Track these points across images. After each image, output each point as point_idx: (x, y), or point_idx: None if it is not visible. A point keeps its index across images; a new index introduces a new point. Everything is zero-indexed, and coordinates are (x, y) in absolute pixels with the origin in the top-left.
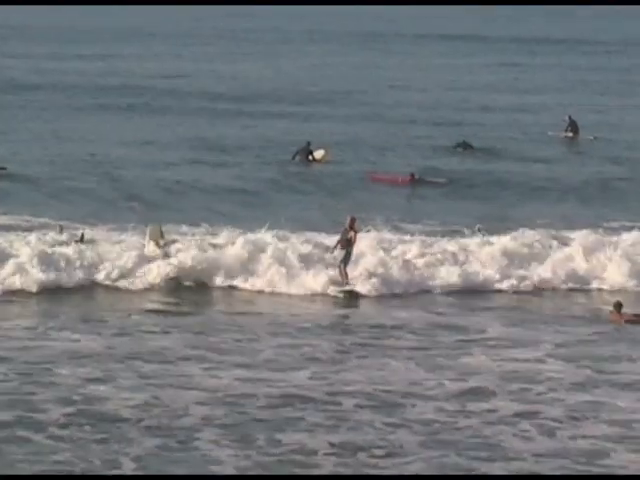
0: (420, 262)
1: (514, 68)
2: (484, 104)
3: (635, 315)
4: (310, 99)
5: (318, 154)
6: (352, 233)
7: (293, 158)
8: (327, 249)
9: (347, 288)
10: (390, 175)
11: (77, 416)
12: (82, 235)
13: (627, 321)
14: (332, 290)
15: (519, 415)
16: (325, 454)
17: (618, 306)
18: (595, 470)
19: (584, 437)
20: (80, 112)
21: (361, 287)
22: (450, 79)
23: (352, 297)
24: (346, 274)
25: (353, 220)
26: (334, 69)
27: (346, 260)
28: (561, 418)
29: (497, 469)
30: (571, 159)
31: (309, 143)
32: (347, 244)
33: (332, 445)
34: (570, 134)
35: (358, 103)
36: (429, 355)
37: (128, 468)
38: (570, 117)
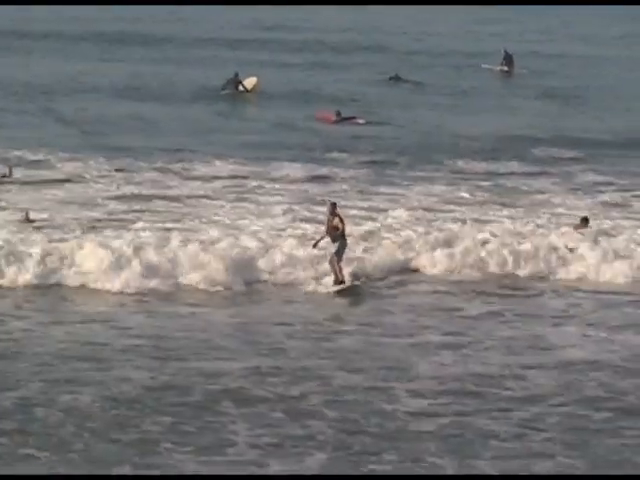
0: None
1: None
2: (417, 36)
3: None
4: (240, 42)
5: (249, 82)
6: (337, 220)
7: (223, 89)
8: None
9: (343, 286)
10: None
11: None
12: (27, 214)
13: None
14: (324, 288)
15: (440, 346)
16: (234, 377)
17: (585, 221)
18: (494, 391)
19: (495, 364)
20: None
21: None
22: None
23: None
24: (340, 269)
25: (334, 205)
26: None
27: (340, 253)
28: (480, 349)
29: (399, 388)
30: (502, 91)
31: (237, 74)
32: (335, 234)
33: (243, 369)
34: (505, 67)
35: (289, 39)
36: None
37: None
38: (506, 51)
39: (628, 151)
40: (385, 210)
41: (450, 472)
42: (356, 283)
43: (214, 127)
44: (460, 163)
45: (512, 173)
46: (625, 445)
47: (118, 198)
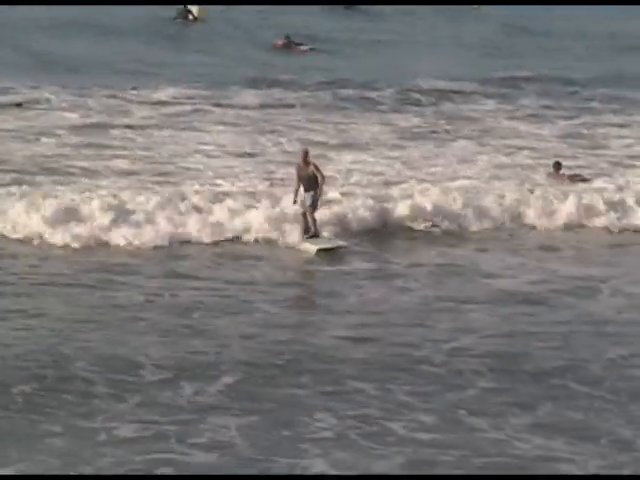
0: None
1: None
2: None
3: (574, 175)
4: None
5: (194, 10)
6: (312, 168)
7: (175, 19)
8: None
9: (329, 245)
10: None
11: None
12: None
13: (567, 181)
14: (307, 247)
15: (370, 276)
16: (152, 308)
17: (557, 166)
18: (426, 322)
19: (427, 294)
20: None
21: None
22: None
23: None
24: (314, 221)
25: (306, 153)
26: None
27: (315, 203)
28: (410, 278)
29: (325, 318)
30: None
31: (185, 4)
32: (311, 183)
33: (163, 301)
34: None
35: None
36: None
37: None
38: None
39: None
40: (334, 147)
41: (370, 395)
42: (341, 243)
43: (166, 57)
44: (412, 85)
45: (468, 93)
46: (552, 372)
47: (70, 128)
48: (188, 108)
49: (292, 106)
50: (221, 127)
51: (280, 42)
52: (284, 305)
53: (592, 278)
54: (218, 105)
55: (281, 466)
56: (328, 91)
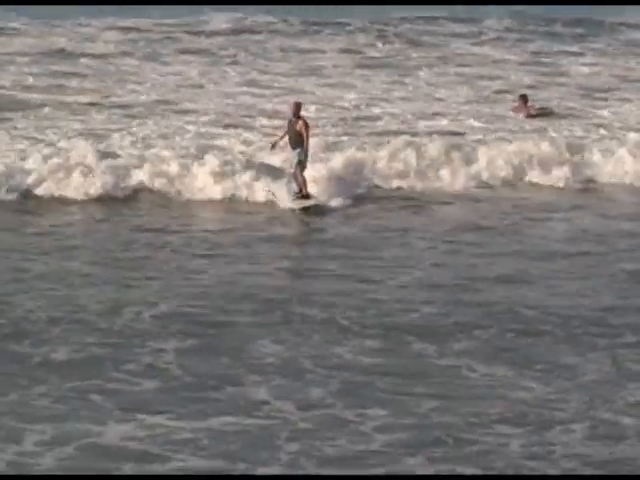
0: None
1: None
2: None
3: (540, 108)
4: None
5: None
6: (301, 123)
7: None
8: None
9: (310, 202)
10: None
11: None
12: None
13: (530, 115)
14: (290, 204)
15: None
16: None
17: (524, 98)
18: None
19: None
20: None
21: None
22: None
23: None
24: (304, 181)
25: (298, 106)
26: None
27: (302, 162)
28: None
29: (271, 254)
30: None
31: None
32: (298, 139)
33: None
34: None
35: None
36: None
37: None
38: None
39: None
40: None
41: (315, 321)
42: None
43: None
44: (382, 13)
45: (435, 18)
46: (497, 299)
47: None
48: (155, 36)
49: (260, 32)
50: (185, 56)
51: None
52: (226, 240)
53: (543, 208)
54: (186, 32)
55: (222, 392)
56: (296, 17)
